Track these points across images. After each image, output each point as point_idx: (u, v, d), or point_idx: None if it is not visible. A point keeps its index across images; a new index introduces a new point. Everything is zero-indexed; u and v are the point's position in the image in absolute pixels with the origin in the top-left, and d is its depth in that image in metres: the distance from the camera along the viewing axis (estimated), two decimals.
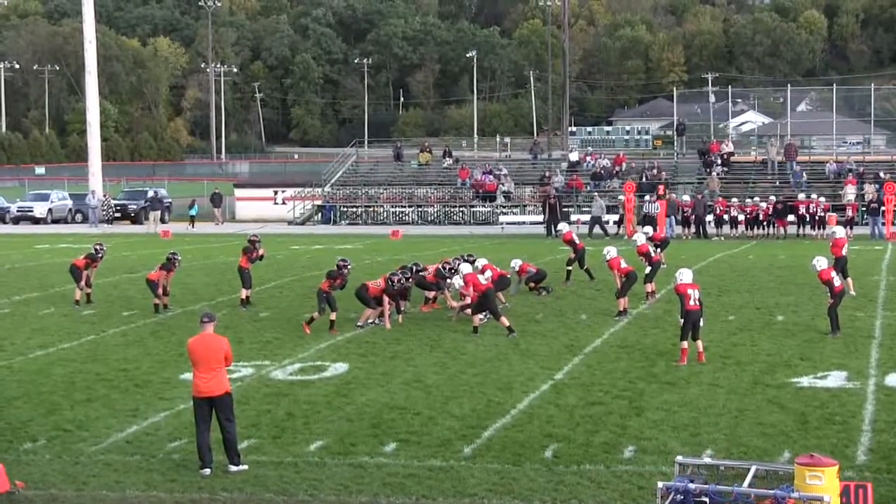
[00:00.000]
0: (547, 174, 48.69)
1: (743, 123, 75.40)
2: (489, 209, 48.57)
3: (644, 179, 46.49)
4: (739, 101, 79.70)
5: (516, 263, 22.99)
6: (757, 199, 40.97)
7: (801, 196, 40.96)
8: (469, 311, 18.94)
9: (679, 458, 8.95)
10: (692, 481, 8.36)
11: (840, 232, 24.24)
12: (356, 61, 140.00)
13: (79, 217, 53.70)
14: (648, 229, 27.40)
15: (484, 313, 18.82)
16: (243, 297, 21.81)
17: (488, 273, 20.33)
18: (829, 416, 12.71)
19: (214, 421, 10.98)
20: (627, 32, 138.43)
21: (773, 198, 40.99)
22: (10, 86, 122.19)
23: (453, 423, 12.60)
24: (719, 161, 48.42)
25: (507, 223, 47.06)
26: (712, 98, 69.88)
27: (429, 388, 14.34)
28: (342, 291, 22.67)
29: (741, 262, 29.56)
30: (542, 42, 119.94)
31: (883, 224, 39.30)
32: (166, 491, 10.39)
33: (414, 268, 20.68)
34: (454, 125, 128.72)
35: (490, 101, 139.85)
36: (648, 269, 22.00)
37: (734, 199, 41.86)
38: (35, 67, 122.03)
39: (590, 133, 67.16)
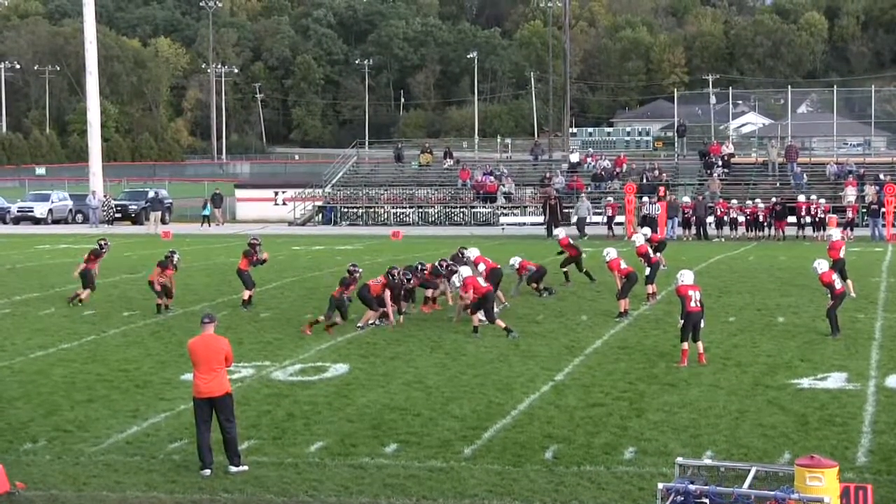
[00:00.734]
0: (548, 175, 48.68)
1: (743, 125, 75.47)
2: (490, 210, 48.58)
3: (645, 181, 46.48)
4: (740, 102, 79.68)
5: (515, 261, 22.99)
6: (758, 200, 40.96)
7: (802, 198, 40.93)
8: (469, 310, 18.95)
9: (679, 459, 8.93)
10: (692, 482, 8.34)
11: (837, 234, 24.29)
12: (357, 62, 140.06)
13: (79, 217, 53.70)
14: (647, 230, 27.36)
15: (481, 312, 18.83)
16: (245, 297, 21.82)
17: (481, 266, 20.30)
18: (829, 417, 12.71)
19: (215, 421, 10.97)
20: (628, 34, 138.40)
21: (773, 199, 40.99)
22: (11, 86, 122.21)
23: (454, 424, 12.60)
24: (720, 162, 48.41)
25: (508, 224, 47.06)
26: (713, 99, 69.84)
27: (429, 389, 14.34)
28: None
29: (741, 264, 29.56)
30: (542, 43, 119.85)
31: (883, 226, 39.29)
32: (167, 492, 10.38)
33: (419, 266, 20.69)
34: (455, 126, 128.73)
35: (491, 102, 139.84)
36: (648, 270, 22.02)
37: (734, 201, 41.87)
38: (36, 67, 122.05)
39: (590, 134, 67.02)
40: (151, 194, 53.22)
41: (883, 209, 39.48)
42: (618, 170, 49.50)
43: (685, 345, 15.73)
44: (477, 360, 16.34)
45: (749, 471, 8.60)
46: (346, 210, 50.64)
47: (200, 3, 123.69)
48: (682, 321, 15.79)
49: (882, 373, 15.14)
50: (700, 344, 15.84)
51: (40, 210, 53.20)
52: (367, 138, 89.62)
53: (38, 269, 29.92)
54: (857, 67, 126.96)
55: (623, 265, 20.51)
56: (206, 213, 50.85)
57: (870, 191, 41.96)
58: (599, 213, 42.68)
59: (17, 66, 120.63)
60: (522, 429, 12.34)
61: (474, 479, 10.57)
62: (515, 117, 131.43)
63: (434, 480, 10.55)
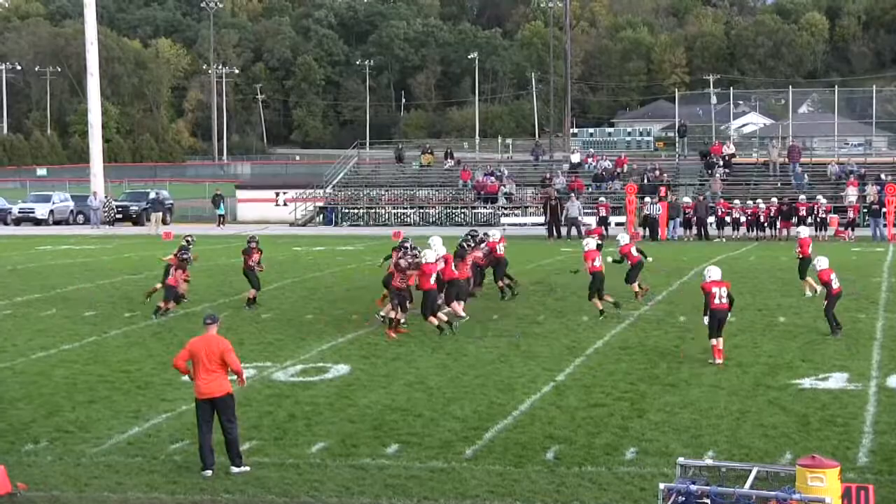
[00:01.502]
0: (548, 176, 48.67)
1: (744, 125, 75.48)
2: (491, 211, 48.55)
3: (646, 181, 46.48)
4: (741, 102, 79.64)
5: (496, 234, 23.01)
6: (759, 200, 40.95)
7: (803, 198, 40.91)
8: (453, 305, 18.90)
9: (681, 459, 8.92)
10: (694, 483, 8.34)
11: (804, 232, 24.31)
12: (358, 63, 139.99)
13: (80, 218, 53.66)
14: (625, 236, 26.82)
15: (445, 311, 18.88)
16: (250, 296, 21.80)
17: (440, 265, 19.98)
18: (830, 417, 12.71)
19: (217, 422, 10.97)
20: (629, 34, 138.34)
21: (774, 199, 40.98)
22: (12, 87, 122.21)
23: (455, 424, 12.61)
24: (721, 163, 48.38)
25: (509, 224, 47.04)
26: (714, 100, 69.85)
27: (430, 390, 14.35)
28: (345, 292, 22.71)
29: (743, 264, 29.55)
30: (543, 44, 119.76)
31: (884, 225, 39.31)
32: (168, 492, 10.38)
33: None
34: (456, 127, 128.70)
35: (492, 102, 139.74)
36: (630, 268, 22.09)
37: (736, 201, 41.85)
38: (37, 69, 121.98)
39: (591, 134, 67.21)
40: (152, 195, 53.25)
41: (884, 209, 39.48)
42: (618, 170, 49.50)
43: (713, 341, 15.81)
44: (478, 360, 16.34)
45: (750, 471, 8.60)
46: (347, 211, 50.66)
47: (201, 4, 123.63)
48: (707, 318, 15.84)
49: (883, 373, 15.15)
50: (720, 340, 15.87)
51: (41, 211, 53.21)
52: (367, 139, 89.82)
53: (39, 271, 29.91)
54: (858, 67, 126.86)
55: (597, 262, 20.30)
56: (221, 211, 51.13)
57: (871, 191, 41.94)
58: (591, 214, 42.52)
59: (18, 68, 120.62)
60: (524, 429, 12.34)
61: (475, 480, 10.57)
62: (516, 118, 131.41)
63: (435, 481, 10.55)
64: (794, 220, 39.65)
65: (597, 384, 14.58)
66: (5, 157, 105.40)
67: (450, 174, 52.66)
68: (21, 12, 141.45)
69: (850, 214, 40.82)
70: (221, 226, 49.58)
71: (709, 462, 9.12)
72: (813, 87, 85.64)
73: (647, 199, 41.87)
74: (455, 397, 13.92)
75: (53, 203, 54.23)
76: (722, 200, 42.55)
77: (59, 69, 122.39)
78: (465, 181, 50.58)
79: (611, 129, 76.34)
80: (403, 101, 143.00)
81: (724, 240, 39.01)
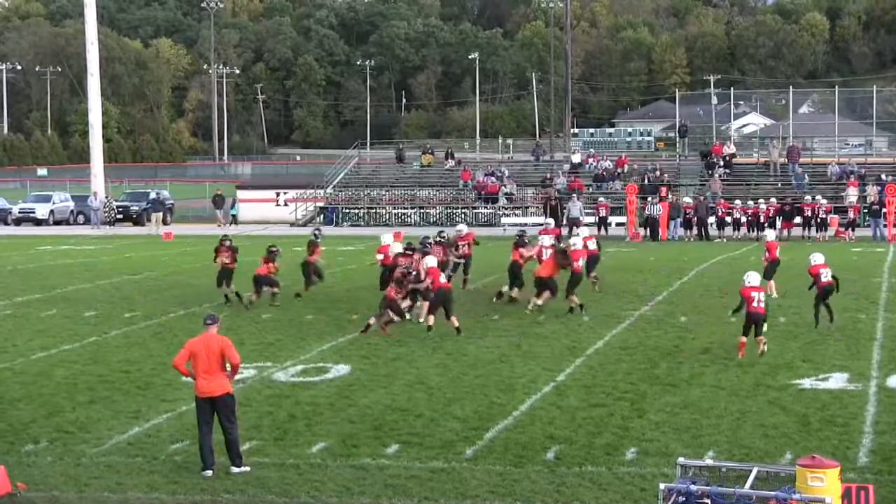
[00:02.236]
0: (549, 176, 48.66)
1: (745, 125, 75.41)
2: (491, 211, 48.52)
3: (646, 181, 46.45)
4: (741, 102, 79.56)
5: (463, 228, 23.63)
6: (761, 201, 40.92)
7: (808, 198, 40.73)
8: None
9: (681, 459, 8.91)
10: (694, 483, 8.32)
11: (771, 235, 24.34)
12: (358, 63, 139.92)
13: (81, 218, 53.64)
14: (584, 230, 26.69)
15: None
16: (304, 290, 22.79)
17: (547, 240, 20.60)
18: (830, 417, 12.72)
19: (217, 423, 10.97)
20: (630, 34, 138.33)
21: (773, 200, 40.97)
22: (12, 87, 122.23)
23: (455, 424, 12.60)
24: (721, 163, 48.36)
25: (510, 225, 47.01)
26: (714, 100, 69.82)
27: (431, 390, 14.34)
28: (345, 293, 22.68)
29: (743, 264, 29.43)
30: (544, 44, 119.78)
31: (885, 226, 39.30)
32: (168, 493, 10.38)
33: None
34: (456, 127, 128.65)
35: (492, 102, 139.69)
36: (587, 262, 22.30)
37: (737, 201, 41.83)
38: (37, 69, 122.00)
39: (592, 135, 67.11)
40: (153, 195, 53.24)
41: (884, 209, 39.47)
42: (619, 170, 49.48)
43: (743, 338, 16.16)
44: (478, 360, 16.33)
45: (750, 471, 8.59)
46: (347, 211, 50.65)
47: (202, 4, 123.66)
48: (745, 319, 16.31)
49: (883, 373, 15.15)
50: (761, 339, 16.22)
51: (42, 211, 53.21)
52: (368, 139, 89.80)
53: (39, 271, 29.91)
54: (858, 68, 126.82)
55: (581, 262, 20.63)
56: (234, 212, 51.24)
57: (871, 191, 41.91)
58: (592, 214, 42.46)
59: (19, 68, 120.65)
60: (524, 429, 12.34)
61: (476, 480, 10.57)
62: (517, 118, 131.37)
63: (436, 481, 10.55)
64: (799, 220, 39.66)
65: (597, 384, 14.58)
66: (5, 157, 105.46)
67: (450, 174, 52.66)
68: (21, 12, 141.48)
69: (851, 215, 40.80)
70: (233, 225, 49.68)
71: (709, 462, 9.11)
72: (813, 88, 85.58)
73: (648, 199, 41.84)
74: (455, 397, 13.92)
75: (54, 203, 54.24)
76: (722, 201, 42.53)
77: (60, 69, 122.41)
78: (466, 181, 50.57)
79: (611, 130, 76.27)
80: (404, 101, 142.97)
81: (724, 240, 38.99)
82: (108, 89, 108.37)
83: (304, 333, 18.84)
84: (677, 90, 76.59)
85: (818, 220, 39.22)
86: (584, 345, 17.52)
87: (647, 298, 22.34)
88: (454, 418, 12.88)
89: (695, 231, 40.22)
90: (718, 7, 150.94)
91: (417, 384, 14.72)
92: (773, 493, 8.05)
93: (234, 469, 10.92)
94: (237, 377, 11.61)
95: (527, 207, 48.36)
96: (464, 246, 23.97)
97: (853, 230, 39.66)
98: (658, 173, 47.60)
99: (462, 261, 23.94)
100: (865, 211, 41.75)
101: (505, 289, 21.81)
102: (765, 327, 16.32)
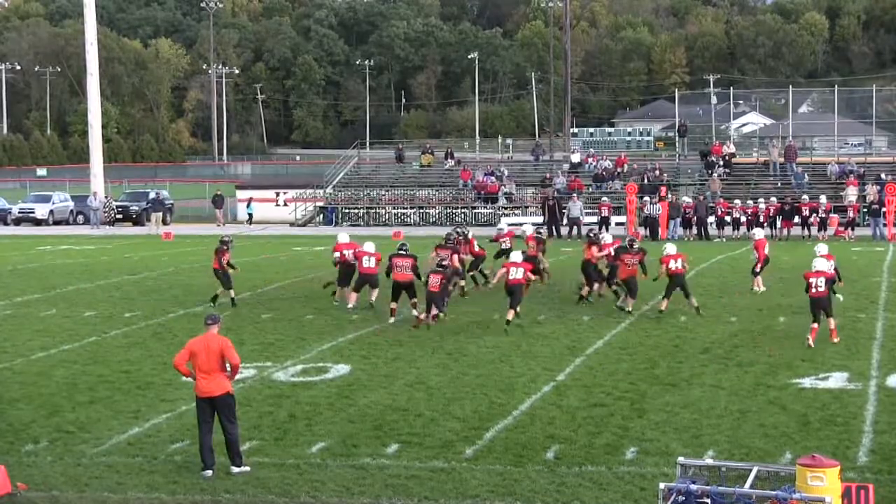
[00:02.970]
0: (548, 176, 48.61)
1: (745, 125, 75.35)
2: (491, 211, 48.46)
3: (646, 181, 46.43)
4: (741, 102, 79.52)
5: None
6: (761, 200, 40.90)
7: (806, 198, 40.74)
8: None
9: (681, 459, 8.89)
10: (694, 482, 8.32)
11: (760, 233, 24.38)
12: (358, 63, 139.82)
13: (80, 219, 53.57)
14: (528, 227, 27.08)
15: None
16: (231, 296, 22.01)
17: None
18: (830, 417, 12.71)
19: (217, 423, 10.97)
20: (629, 34, 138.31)
21: (773, 199, 40.95)
22: (12, 87, 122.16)
23: (455, 424, 12.59)
24: (721, 162, 48.34)
25: (509, 225, 46.93)
26: (714, 99, 69.74)
27: (431, 390, 14.33)
28: (345, 292, 22.62)
29: (743, 264, 29.44)
30: (543, 44, 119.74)
31: (884, 225, 39.27)
32: (168, 493, 10.37)
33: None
34: (456, 127, 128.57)
35: (492, 102, 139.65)
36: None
37: (736, 201, 41.81)
38: (36, 69, 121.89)
39: (591, 134, 66.95)
40: (152, 195, 53.16)
41: (884, 209, 39.45)
42: (619, 170, 49.45)
43: (815, 324, 16.82)
44: (478, 360, 16.31)
45: (750, 471, 8.57)
46: (347, 211, 50.62)
47: (201, 4, 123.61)
48: (809, 305, 17.14)
49: (883, 372, 15.14)
50: (831, 320, 17.06)
51: (41, 211, 53.13)
52: (368, 139, 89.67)
53: (39, 271, 29.88)
54: (858, 67, 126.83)
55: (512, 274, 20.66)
56: (251, 211, 51.51)
57: (871, 190, 41.89)
58: (593, 214, 42.42)
59: (18, 68, 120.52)
60: (524, 429, 12.33)
61: (476, 480, 10.57)
62: (516, 118, 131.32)
63: (435, 481, 10.55)
64: (798, 219, 39.63)
65: (597, 384, 14.57)
66: (5, 157, 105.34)
67: (450, 174, 52.62)
68: (21, 12, 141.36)
69: (850, 214, 40.79)
70: (249, 224, 49.98)
71: (709, 462, 9.10)
72: (813, 87, 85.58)
73: (647, 198, 41.82)
74: (455, 397, 13.91)
75: (53, 203, 54.16)
76: (722, 200, 42.49)
77: (59, 69, 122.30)
78: (466, 181, 50.54)
79: (611, 129, 76.10)
80: (404, 101, 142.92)
81: (724, 239, 38.97)
82: (107, 89, 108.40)
83: (304, 333, 18.81)
84: (677, 90, 76.46)
85: (818, 219, 39.21)
86: (584, 344, 17.50)
87: (648, 298, 22.29)
88: (454, 418, 12.86)
89: (694, 231, 40.19)
90: (718, 7, 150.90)
91: (417, 384, 14.71)
92: (773, 492, 8.04)
93: (234, 469, 10.90)
94: (237, 377, 11.58)
95: (526, 207, 48.32)
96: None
97: (853, 229, 39.64)
98: (657, 173, 47.57)
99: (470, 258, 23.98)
100: (865, 210, 41.74)
101: (585, 290, 21.82)
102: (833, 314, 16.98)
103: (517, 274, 19.01)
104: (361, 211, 50.41)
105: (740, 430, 12.23)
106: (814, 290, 16.91)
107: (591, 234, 23.02)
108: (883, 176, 43.56)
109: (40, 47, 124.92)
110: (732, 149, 50.49)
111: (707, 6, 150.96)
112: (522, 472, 10.77)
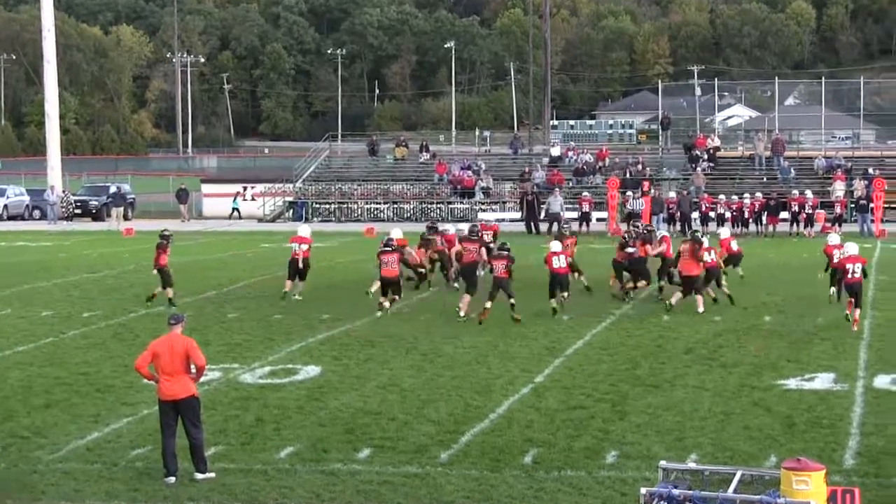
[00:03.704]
0: (527, 170, 48.28)
1: (730, 117, 75.17)
2: (467, 206, 48.03)
3: (628, 175, 46.19)
4: (726, 94, 79.68)
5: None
6: (746, 195, 40.66)
7: (795, 192, 40.45)
8: None
9: (663, 463, 8.73)
10: (676, 487, 8.18)
11: (725, 232, 24.49)
12: (329, 52, 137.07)
13: (36, 213, 52.35)
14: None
15: None
16: (168, 296, 21.49)
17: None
18: (816, 419, 12.66)
19: (181, 428, 10.79)
20: (611, 23, 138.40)
21: (758, 194, 40.75)
22: None
23: (430, 428, 12.46)
24: (705, 156, 48.13)
25: (486, 220, 46.55)
26: (698, 91, 69.81)
27: (404, 392, 14.15)
28: (315, 291, 22.25)
29: (727, 261, 29.23)
30: (523, 32, 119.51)
31: (872, 221, 39.11)
32: (129, 500, 10.21)
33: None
34: (431, 118, 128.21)
35: (469, 93, 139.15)
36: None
37: (721, 196, 41.50)
38: None
39: (572, 127, 66.67)
40: (113, 189, 52.16)
41: (871, 204, 39.29)
42: (600, 164, 49.17)
43: (851, 299, 17.82)
44: (454, 361, 16.10)
45: (734, 474, 8.43)
46: (317, 206, 49.91)
47: None
48: (836, 287, 18.72)
49: (870, 373, 15.07)
50: (857, 311, 17.75)
51: None
52: (339, 131, 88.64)
53: None
54: (845, 58, 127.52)
55: (556, 263, 20.23)
56: (235, 205, 50.61)
57: (858, 185, 41.66)
58: (573, 209, 42.10)
59: None
60: (501, 433, 12.21)
61: (451, 485, 10.45)
62: (494, 109, 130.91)
63: (409, 487, 10.44)
64: (787, 215, 39.42)
65: (577, 385, 14.41)
66: None
67: (425, 168, 52.11)
68: None
69: (838, 209, 40.67)
70: (240, 219, 49.10)
71: (692, 465, 8.99)
72: (800, 79, 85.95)
73: (630, 193, 41.56)
74: (430, 399, 13.74)
75: (7, 197, 52.79)
76: (706, 195, 42.25)
77: (14, 57, 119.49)
78: (441, 175, 50.09)
79: (592, 122, 76.03)
80: (377, 91, 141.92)
81: (708, 235, 38.64)
82: (65, 78, 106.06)
83: (273, 333, 18.53)
84: (660, 81, 76.39)
85: (805, 214, 38.94)
86: (564, 345, 17.32)
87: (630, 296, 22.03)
88: (428, 421, 12.72)
89: (678, 226, 39.86)
90: None
91: (390, 386, 14.53)
92: (757, 496, 7.91)
93: (199, 475, 10.74)
94: (202, 379, 11.44)
95: (504, 202, 47.97)
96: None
97: (840, 225, 39.37)
98: (640, 167, 47.39)
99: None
100: (852, 206, 41.54)
101: (630, 283, 21.82)
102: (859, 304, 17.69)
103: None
104: (333, 206, 49.73)
105: (724, 432, 12.14)
106: (850, 276, 17.46)
107: (648, 231, 23.29)
108: (870, 170, 43.47)
109: None
110: (717, 142, 50.36)
111: None
112: (499, 478, 10.65)
